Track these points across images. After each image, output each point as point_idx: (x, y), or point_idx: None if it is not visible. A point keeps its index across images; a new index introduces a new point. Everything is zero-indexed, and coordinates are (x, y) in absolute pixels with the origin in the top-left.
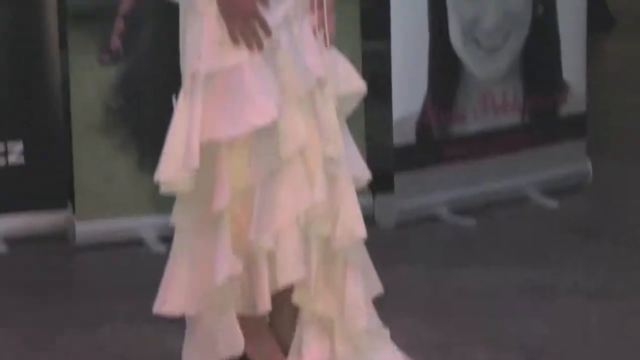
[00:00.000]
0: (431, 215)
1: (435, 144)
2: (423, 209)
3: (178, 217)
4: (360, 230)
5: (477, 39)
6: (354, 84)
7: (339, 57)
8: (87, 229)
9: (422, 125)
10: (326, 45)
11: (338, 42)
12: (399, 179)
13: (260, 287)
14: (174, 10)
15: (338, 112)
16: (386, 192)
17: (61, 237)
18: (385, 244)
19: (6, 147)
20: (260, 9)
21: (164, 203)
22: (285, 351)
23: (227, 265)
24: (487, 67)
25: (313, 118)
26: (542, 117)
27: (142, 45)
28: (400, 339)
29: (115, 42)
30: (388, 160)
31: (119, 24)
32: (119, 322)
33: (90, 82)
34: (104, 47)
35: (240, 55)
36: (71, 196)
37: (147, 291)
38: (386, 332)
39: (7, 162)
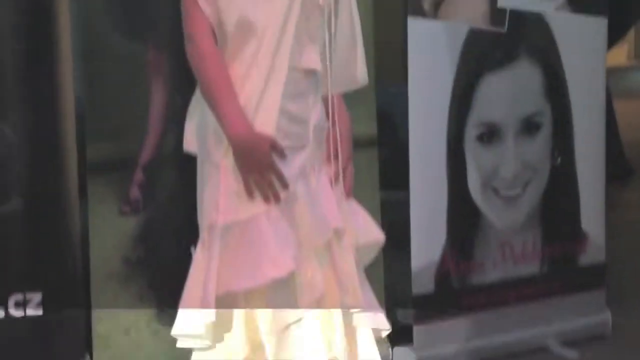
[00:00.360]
0: None
1: (454, 294)
2: None
3: None
4: None
5: (495, 188)
6: (373, 235)
7: (357, 207)
8: None
9: (441, 275)
10: (344, 196)
11: (356, 192)
12: (418, 329)
13: None
14: (192, 161)
15: (357, 262)
16: (405, 343)
17: None
18: None
19: (24, 298)
20: (277, 161)
21: (183, 355)
22: None
23: None
24: (506, 216)
25: (331, 269)
26: (561, 267)
27: (161, 196)
28: None
29: (135, 193)
30: (407, 311)
31: (139, 175)
32: None
33: (110, 232)
34: (124, 197)
35: (257, 207)
36: (89, 348)
37: None
38: None
39: (25, 313)
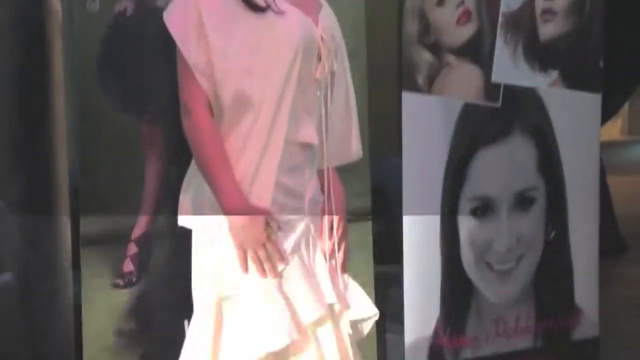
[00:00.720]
0: None
1: None
2: None
3: None
4: None
5: (489, 262)
6: (366, 310)
7: (351, 281)
8: None
9: (435, 349)
10: (338, 271)
11: (350, 266)
12: None
13: None
14: (187, 234)
15: (350, 336)
16: None
17: None
18: None
19: None
20: (273, 235)
21: None
22: None
23: None
24: (500, 290)
25: (325, 343)
26: (555, 341)
27: (155, 269)
28: None
29: (128, 265)
30: None
31: (132, 248)
32: None
33: (103, 305)
34: (117, 270)
35: (252, 281)
36: None
37: None
38: None
39: None
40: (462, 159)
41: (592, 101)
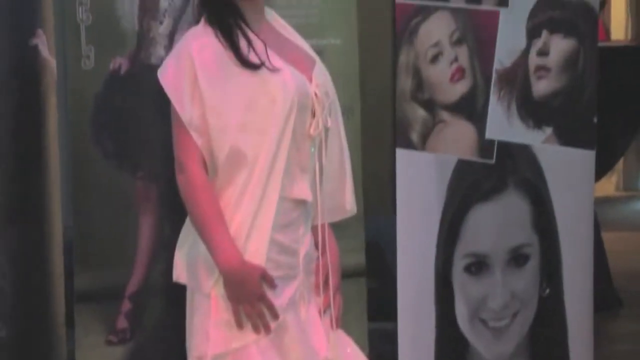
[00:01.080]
0: None
1: None
2: None
3: None
4: None
5: (484, 319)
6: None
7: (346, 337)
8: None
9: None
10: (333, 327)
11: (344, 322)
12: None
13: None
14: (181, 291)
15: None
16: None
17: None
18: None
19: None
20: (267, 291)
21: None
22: None
23: None
24: (494, 347)
25: None
26: None
27: (149, 325)
28: None
29: (122, 322)
30: None
31: (126, 304)
32: None
33: None
34: (111, 327)
35: (247, 337)
36: None
37: None
38: None
39: None
40: (456, 216)
41: (585, 158)
